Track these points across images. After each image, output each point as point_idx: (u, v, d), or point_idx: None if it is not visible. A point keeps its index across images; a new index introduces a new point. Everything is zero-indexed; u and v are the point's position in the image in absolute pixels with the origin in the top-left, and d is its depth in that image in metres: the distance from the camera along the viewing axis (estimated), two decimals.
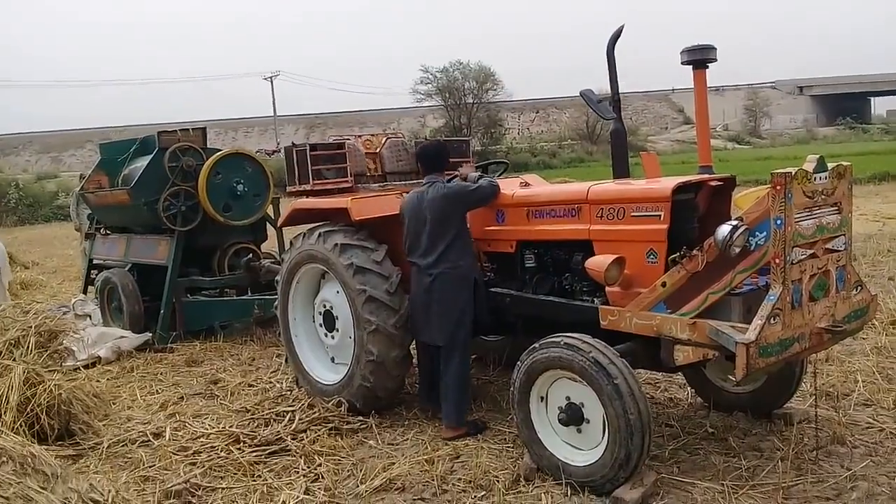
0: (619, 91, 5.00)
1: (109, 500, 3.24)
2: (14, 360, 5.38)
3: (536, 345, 4.02)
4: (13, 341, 5.81)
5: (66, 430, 5.05)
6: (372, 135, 6.32)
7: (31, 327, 5.97)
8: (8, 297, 9.12)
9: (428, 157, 5.12)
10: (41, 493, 3.23)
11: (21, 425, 4.80)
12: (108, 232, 9.34)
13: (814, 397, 4.68)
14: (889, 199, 18.31)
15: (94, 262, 9.49)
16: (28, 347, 5.70)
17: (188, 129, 8.42)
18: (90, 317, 8.85)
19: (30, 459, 3.70)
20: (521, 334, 5.02)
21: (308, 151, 5.66)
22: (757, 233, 3.70)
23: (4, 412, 4.82)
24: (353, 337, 5.17)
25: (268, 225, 8.78)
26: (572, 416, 3.92)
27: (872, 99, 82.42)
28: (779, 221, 3.51)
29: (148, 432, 5.11)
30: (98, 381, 6.53)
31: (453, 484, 4.15)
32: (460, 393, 4.87)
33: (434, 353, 5.01)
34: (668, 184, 4.05)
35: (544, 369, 3.98)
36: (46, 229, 28.34)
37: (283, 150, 6.09)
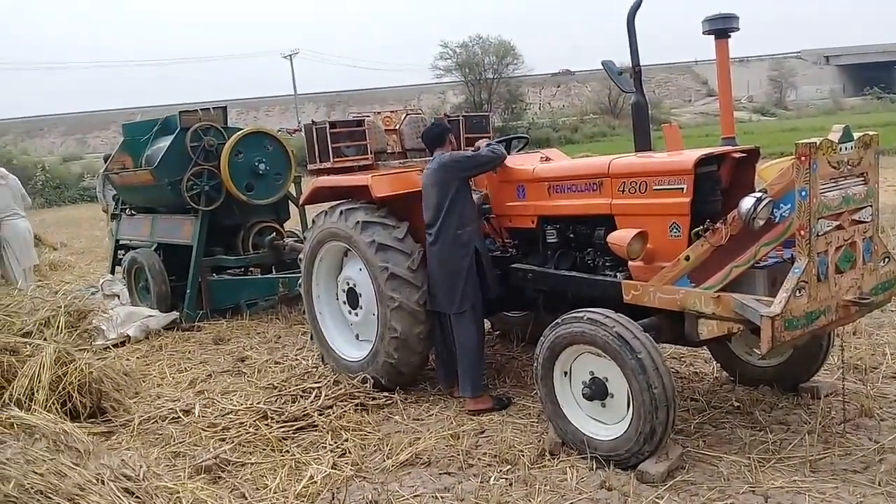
0: (640, 63, 4.95)
1: (141, 475, 3.31)
2: (45, 339, 5.49)
3: (559, 320, 4.02)
4: (44, 321, 5.93)
5: (98, 408, 5.15)
6: (392, 111, 6.31)
7: (60, 307, 6.09)
8: (29, 279, 9.18)
9: (430, 137, 5.23)
10: (74, 469, 3.31)
11: (53, 403, 4.90)
12: (134, 212, 9.44)
13: (841, 370, 4.66)
14: None
15: (121, 242, 9.59)
16: (58, 327, 5.82)
17: (209, 109, 8.45)
18: (118, 296, 8.97)
19: (62, 436, 3.80)
20: (544, 310, 5.03)
21: (328, 129, 5.67)
22: (781, 205, 3.65)
23: (37, 391, 4.92)
24: (376, 314, 5.21)
25: (290, 203, 8.82)
26: (596, 391, 3.93)
27: None
28: (804, 193, 3.46)
29: (178, 409, 5.20)
30: (128, 359, 6.64)
31: (478, 458, 4.19)
32: (470, 360, 4.90)
33: (448, 323, 5.03)
34: (690, 156, 4.01)
35: (568, 344, 3.98)
36: (73, 211, 28.71)
37: (303, 129, 6.10)
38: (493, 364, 5.73)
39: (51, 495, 3.09)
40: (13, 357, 5.17)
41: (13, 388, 4.93)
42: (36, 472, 3.21)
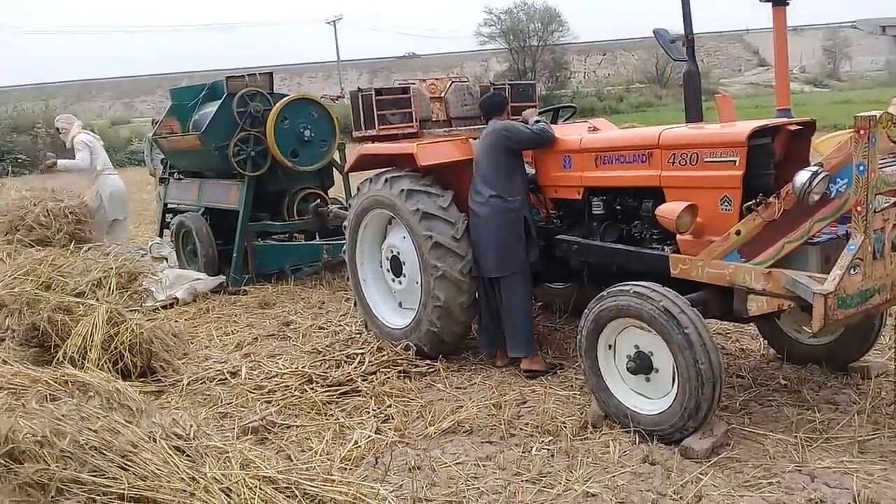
0: (693, 31, 4.83)
1: (192, 434, 3.38)
2: (97, 299, 5.62)
3: (605, 293, 3.99)
4: (96, 282, 6.05)
5: (148, 368, 5.28)
6: (437, 79, 6.26)
7: (111, 269, 6.21)
8: (121, 230, 9.32)
9: (488, 106, 5.29)
10: (127, 427, 3.38)
11: (105, 362, 5.03)
12: (182, 177, 9.56)
13: (893, 350, 4.55)
14: None
15: (169, 206, 9.74)
16: (110, 288, 5.93)
17: (255, 75, 8.48)
18: (166, 259, 9.14)
19: (115, 395, 3.89)
20: (588, 282, 5.00)
21: (373, 96, 5.66)
22: (838, 179, 3.56)
23: (90, 349, 5.05)
24: (419, 282, 5.23)
25: (334, 170, 8.86)
26: (641, 365, 3.90)
27: None
28: (861, 167, 3.37)
29: (225, 371, 5.31)
30: (176, 321, 6.78)
31: (520, 428, 4.20)
32: (521, 321, 4.96)
33: (492, 290, 5.06)
34: (744, 128, 3.92)
35: (613, 317, 3.96)
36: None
37: (347, 96, 6.09)
38: (535, 335, 5.71)
39: (105, 451, 3.17)
40: (67, 316, 5.31)
41: (67, 347, 5.07)
42: (90, 429, 3.29)
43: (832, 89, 54.47)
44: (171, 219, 9.34)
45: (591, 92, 51.88)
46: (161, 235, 9.98)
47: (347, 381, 4.96)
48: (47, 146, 33.67)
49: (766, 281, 3.66)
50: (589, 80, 61.93)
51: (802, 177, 3.54)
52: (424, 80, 6.17)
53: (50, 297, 5.56)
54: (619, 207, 4.68)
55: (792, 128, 4.12)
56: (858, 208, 3.41)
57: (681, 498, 3.37)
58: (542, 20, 53.34)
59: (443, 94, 6.10)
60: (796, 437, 3.80)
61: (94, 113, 59.06)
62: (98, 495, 2.95)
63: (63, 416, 3.37)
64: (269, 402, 4.72)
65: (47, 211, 8.01)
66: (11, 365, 4.79)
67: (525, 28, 53.51)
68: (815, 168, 3.57)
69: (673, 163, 4.20)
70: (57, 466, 3.03)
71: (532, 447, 3.95)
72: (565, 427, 4.12)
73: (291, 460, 3.91)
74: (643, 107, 46.55)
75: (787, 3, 4.38)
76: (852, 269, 3.43)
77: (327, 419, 4.47)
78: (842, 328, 4.37)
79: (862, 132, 3.35)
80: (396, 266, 5.54)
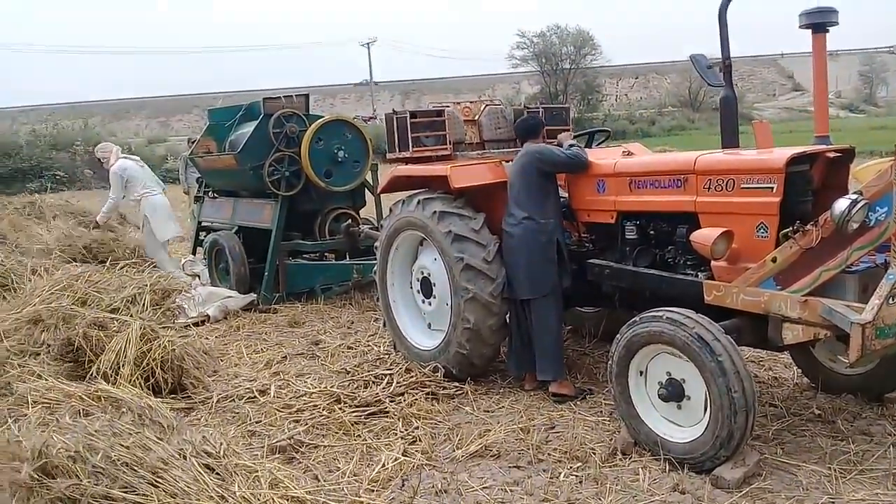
0: (730, 56, 4.81)
1: (221, 452, 3.40)
2: (131, 316, 5.70)
3: (637, 318, 3.96)
4: (130, 298, 6.16)
5: (179, 385, 5.32)
6: (471, 102, 6.29)
7: (146, 285, 6.31)
8: (165, 250, 9.47)
9: (524, 129, 5.35)
10: (158, 444, 3.42)
11: (137, 378, 5.08)
12: (216, 195, 9.69)
13: None
14: None
15: (203, 224, 9.87)
16: (144, 304, 6.03)
17: (292, 96, 8.60)
18: (199, 277, 9.24)
19: (147, 411, 3.93)
20: (620, 307, 4.96)
21: (408, 119, 5.70)
22: (877, 207, 3.51)
23: (123, 365, 5.11)
24: (449, 304, 5.22)
25: (366, 191, 8.92)
26: (673, 392, 3.86)
27: None
28: None
29: (254, 389, 5.32)
30: (207, 338, 6.83)
31: (549, 454, 4.16)
32: (551, 344, 4.94)
33: (523, 313, 5.04)
34: (782, 155, 3.88)
35: (645, 343, 3.92)
36: None
37: (379, 117, 6.14)
38: (565, 359, 5.68)
39: (136, 468, 3.20)
40: (101, 332, 5.39)
41: (100, 362, 5.14)
42: (122, 445, 3.33)
43: (868, 115, 53.85)
44: (205, 236, 9.45)
45: (623, 115, 51.85)
46: (194, 253, 10.10)
47: (375, 401, 4.95)
48: (85, 163, 34.37)
49: (802, 309, 3.61)
50: (621, 104, 61.94)
51: (841, 204, 3.50)
52: (458, 104, 6.21)
53: (85, 312, 5.66)
54: (652, 232, 4.65)
55: (830, 155, 4.08)
56: None
57: None
58: (574, 43, 53.55)
59: (476, 117, 6.13)
60: (830, 468, 3.72)
61: (130, 131, 60.22)
62: None
63: (96, 431, 3.42)
64: (297, 422, 4.73)
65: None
66: (46, 379, 4.87)
67: (557, 51, 53.71)
68: (854, 196, 3.53)
69: (709, 188, 4.17)
70: (89, 482, 3.07)
71: (560, 473, 3.90)
72: (594, 453, 4.07)
73: (319, 480, 3.91)
74: (675, 130, 46.37)
75: (828, 30, 4.35)
76: (891, 299, 3.37)
77: (355, 440, 4.46)
78: (878, 358, 4.28)
79: None
80: (427, 287, 5.54)
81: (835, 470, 3.70)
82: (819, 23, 4.25)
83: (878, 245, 3.56)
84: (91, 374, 5.05)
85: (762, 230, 3.89)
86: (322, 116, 8.45)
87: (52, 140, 36.17)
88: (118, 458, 3.22)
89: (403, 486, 3.88)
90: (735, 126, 4.87)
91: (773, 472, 3.76)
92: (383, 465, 4.06)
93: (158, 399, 4.59)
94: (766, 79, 75.81)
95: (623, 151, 5.22)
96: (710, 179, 4.15)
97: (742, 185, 3.98)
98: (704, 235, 3.98)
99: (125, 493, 3.06)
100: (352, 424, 4.64)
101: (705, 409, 3.70)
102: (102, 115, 65.20)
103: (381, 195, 7.87)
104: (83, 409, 4.08)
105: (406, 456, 4.20)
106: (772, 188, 3.83)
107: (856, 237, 3.55)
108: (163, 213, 9.26)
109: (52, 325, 5.60)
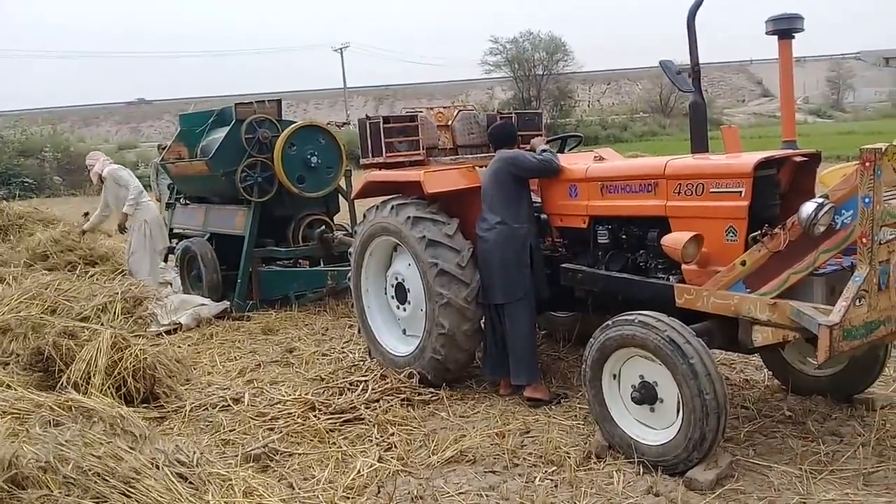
0: (699, 62, 4.88)
1: (195, 461, 3.37)
2: (102, 324, 5.62)
3: (610, 322, 3.99)
4: (101, 307, 6.08)
5: (151, 394, 5.25)
6: (444, 107, 6.31)
7: (117, 293, 6.23)
8: (159, 260, 8.99)
9: (498, 136, 5.32)
10: (130, 453, 3.38)
11: (109, 388, 5.01)
12: (188, 202, 9.61)
13: None
14: None
15: (174, 231, 9.78)
16: (115, 313, 5.95)
17: (264, 102, 8.55)
18: (171, 284, 9.15)
19: (119, 420, 3.89)
20: (593, 311, 5.00)
21: (381, 124, 5.70)
22: (843, 211, 3.58)
23: (93, 375, 5.04)
24: (424, 310, 5.23)
25: (340, 197, 8.90)
26: (646, 395, 3.89)
27: None
28: (867, 199, 3.38)
29: (227, 397, 5.28)
30: (179, 346, 6.77)
31: (524, 458, 4.18)
32: (525, 349, 4.96)
33: (498, 318, 5.06)
34: (750, 159, 3.94)
35: (617, 347, 3.95)
36: None
37: (352, 123, 6.14)
38: (539, 364, 5.70)
39: (107, 478, 3.16)
40: (72, 341, 5.31)
41: (71, 372, 5.07)
42: (93, 455, 3.29)
43: (836, 120, 54.75)
44: (177, 244, 9.36)
45: (596, 121, 52.23)
46: (166, 261, 9.99)
47: (350, 408, 4.93)
48: (54, 170, 33.91)
49: (771, 311, 3.66)
50: (593, 109, 62.39)
51: (808, 208, 3.56)
52: (432, 109, 6.23)
53: (55, 321, 5.58)
54: (624, 236, 4.69)
55: (798, 159, 4.14)
56: (864, 240, 3.42)
57: None
58: (546, 49, 53.85)
59: (450, 123, 6.15)
60: (801, 468, 3.78)
61: (100, 137, 59.52)
62: None
63: (66, 441, 3.37)
64: (272, 430, 4.70)
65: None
66: (15, 389, 4.78)
67: (530, 57, 53.99)
68: (820, 200, 3.58)
69: (679, 193, 4.22)
70: (60, 493, 3.03)
71: (535, 477, 3.92)
72: (569, 457, 4.09)
73: (294, 489, 3.89)
74: (647, 136, 46.81)
75: (794, 37, 4.40)
76: (857, 301, 3.43)
77: (330, 447, 4.44)
78: (847, 360, 4.36)
79: (867, 164, 3.37)
80: (401, 293, 5.54)
81: (806, 470, 3.75)
82: (785, 29, 4.30)
83: (844, 248, 3.62)
84: (61, 384, 4.98)
85: (731, 234, 3.94)
86: (294, 122, 8.42)
87: (20, 146, 35.67)
88: (89, 468, 3.18)
89: (379, 492, 3.87)
90: (705, 131, 4.93)
91: (745, 474, 3.80)
92: (359, 472, 4.05)
93: (130, 408, 4.53)
94: (736, 85, 76.81)
95: (595, 156, 5.27)
96: (679, 184, 4.20)
97: (711, 190, 4.03)
98: (675, 239, 4.02)
99: (97, 503, 3.02)
100: (327, 432, 4.63)
101: (678, 412, 3.74)
102: (72, 120, 64.43)
103: (355, 201, 7.86)
104: (53, 420, 4.01)
105: (381, 462, 4.20)
106: (740, 192, 3.89)
107: (823, 240, 3.61)
108: (161, 222, 8.95)
109: (21, 335, 5.51)
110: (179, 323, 7.57)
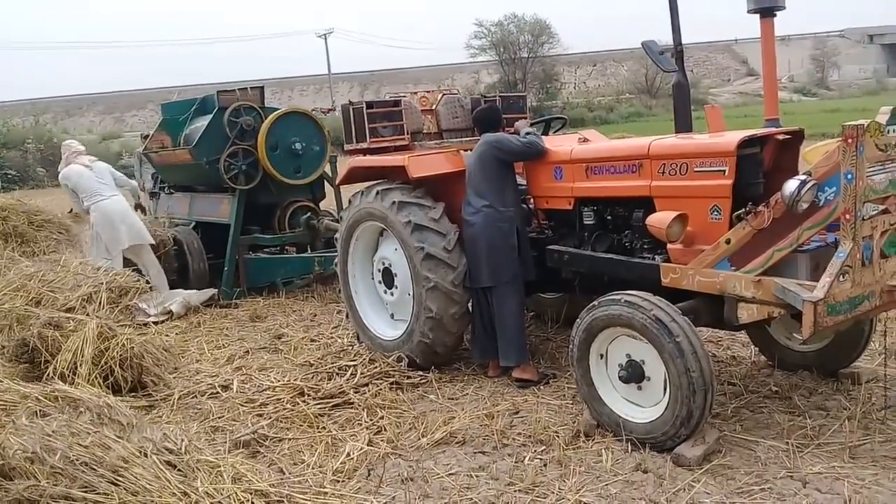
0: (682, 42, 4.87)
1: (183, 448, 3.37)
2: (88, 314, 5.60)
3: (596, 302, 4.01)
4: (86, 297, 6.05)
5: (139, 382, 5.24)
6: (428, 91, 6.29)
7: (102, 283, 6.20)
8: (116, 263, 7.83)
9: (484, 120, 5.28)
10: (118, 442, 3.37)
11: (96, 377, 5.00)
12: (172, 191, 9.55)
13: (883, 356, 4.58)
14: None
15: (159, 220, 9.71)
16: (100, 303, 5.92)
17: (246, 89, 8.49)
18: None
19: (106, 410, 3.87)
20: (580, 292, 5.01)
21: (365, 109, 5.67)
22: (826, 188, 3.59)
23: (80, 365, 5.02)
24: (411, 294, 5.23)
25: (325, 183, 8.87)
26: (633, 374, 3.91)
27: None
28: (849, 176, 3.39)
29: (216, 385, 5.27)
30: (167, 335, 6.74)
31: (513, 438, 4.20)
32: (513, 330, 4.97)
33: (485, 301, 5.07)
34: (733, 138, 3.94)
35: (604, 326, 3.97)
36: None
37: (338, 109, 6.11)
38: (527, 345, 5.73)
39: (95, 467, 3.16)
40: (57, 332, 5.28)
41: (57, 362, 5.05)
42: (81, 445, 3.28)
43: (821, 98, 54.92)
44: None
45: (582, 103, 52.13)
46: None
47: (339, 393, 4.94)
48: (37, 162, 33.58)
49: (756, 289, 3.68)
50: (579, 91, 62.26)
51: (791, 185, 3.57)
52: (416, 93, 6.20)
53: (40, 312, 5.55)
54: (609, 217, 4.70)
55: (780, 137, 4.15)
56: (847, 216, 3.44)
57: None
58: (532, 32, 53.69)
59: (434, 107, 6.13)
60: (788, 443, 3.81)
61: (84, 128, 58.99)
62: None
63: (53, 432, 3.36)
64: (261, 416, 4.70)
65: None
66: (1, 381, 4.75)
67: (515, 40, 53.83)
68: (803, 177, 3.59)
69: (663, 173, 4.22)
70: (47, 483, 3.02)
71: (525, 457, 3.94)
72: (558, 436, 4.12)
73: (283, 473, 3.90)
74: (633, 117, 46.77)
75: (775, 15, 4.41)
76: (841, 277, 3.45)
77: (319, 432, 4.45)
78: (832, 335, 4.39)
79: (850, 141, 3.38)
80: (388, 278, 5.54)
81: (792, 445, 3.79)
82: (767, 7, 4.31)
83: (827, 224, 3.63)
84: (48, 375, 4.95)
85: (715, 212, 3.95)
86: (278, 109, 8.37)
87: (3, 138, 35.33)
88: (77, 457, 3.17)
89: (369, 475, 3.88)
90: (688, 111, 4.94)
91: (732, 449, 3.84)
92: (348, 456, 4.06)
93: (118, 398, 4.51)
94: (721, 64, 76.82)
95: (579, 138, 5.26)
96: (663, 164, 4.20)
97: (695, 169, 4.04)
98: (660, 219, 4.03)
99: (85, 492, 3.01)
100: (316, 417, 4.63)
101: (665, 390, 3.77)
102: (55, 111, 63.80)
103: (341, 187, 7.84)
104: (40, 410, 3.99)
105: (371, 446, 4.21)
106: (724, 171, 3.89)
107: (806, 217, 3.62)
108: (109, 221, 7.79)
109: (6, 327, 5.50)
110: (170, 311, 7.53)
